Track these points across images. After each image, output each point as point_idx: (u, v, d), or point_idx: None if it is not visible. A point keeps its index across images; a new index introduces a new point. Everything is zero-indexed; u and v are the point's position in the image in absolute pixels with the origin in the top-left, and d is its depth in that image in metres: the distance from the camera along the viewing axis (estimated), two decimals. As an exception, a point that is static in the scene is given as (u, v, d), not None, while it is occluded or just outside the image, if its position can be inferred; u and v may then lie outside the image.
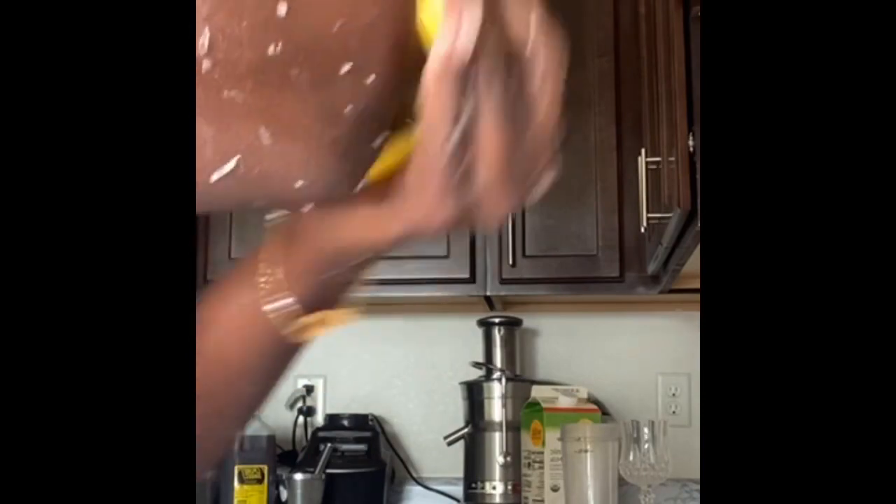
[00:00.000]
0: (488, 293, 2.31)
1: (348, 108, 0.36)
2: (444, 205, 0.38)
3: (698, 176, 1.43)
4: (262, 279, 0.46)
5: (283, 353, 0.49)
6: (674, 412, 2.49)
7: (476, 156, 0.38)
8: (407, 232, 0.40)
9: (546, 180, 0.40)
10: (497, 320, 2.46)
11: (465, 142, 0.37)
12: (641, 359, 2.53)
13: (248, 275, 0.47)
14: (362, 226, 0.41)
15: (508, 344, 2.45)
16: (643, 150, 1.95)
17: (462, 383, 2.47)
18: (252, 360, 0.49)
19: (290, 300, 0.46)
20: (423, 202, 0.39)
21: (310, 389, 2.58)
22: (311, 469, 2.30)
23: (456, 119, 0.36)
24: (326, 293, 0.46)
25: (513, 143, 0.38)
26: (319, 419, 2.56)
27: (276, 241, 0.47)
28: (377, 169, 0.39)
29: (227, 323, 0.49)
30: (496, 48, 0.36)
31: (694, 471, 2.33)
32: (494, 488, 2.37)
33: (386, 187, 0.40)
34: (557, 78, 0.38)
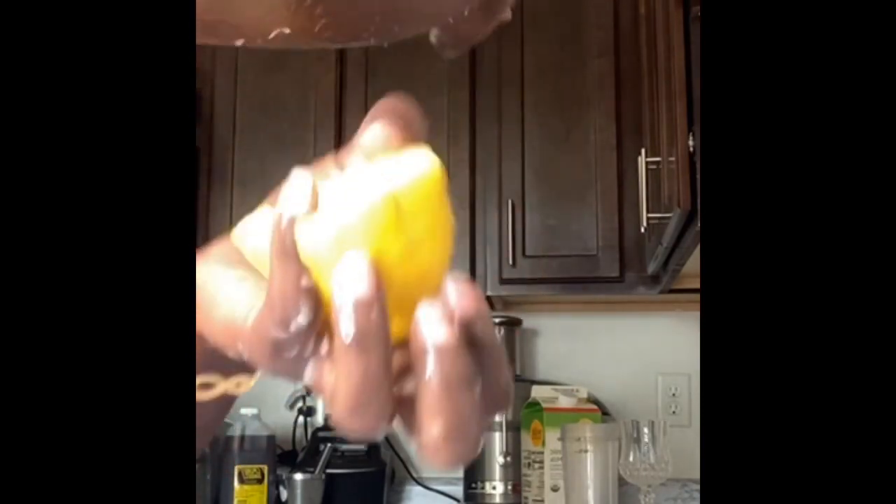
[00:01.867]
0: (488, 293, 2.31)
1: None
2: (272, 361, 0.36)
3: (698, 176, 1.43)
4: None
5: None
6: (674, 412, 2.49)
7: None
8: (240, 362, 0.38)
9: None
10: (497, 320, 2.46)
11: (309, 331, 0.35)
12: (641, 359, 2.53)
13: None
14: (221, 330, 0.38)
15: (508, 344, 2.45)
16: (643, 150, 1.95)
17: (462, 383, 2.46)
18: None
19: None
20: (254, 344, 0.36)
21: (310, 390, 2.58)
22: (311, 469, 2.30)
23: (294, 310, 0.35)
24: (215, 361, 0.42)
25: (373, 385, 0.35)
26: (319, 419, 2.56)
27: None
28: None
29: None
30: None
31: (694, 471, 2.33)
32: (494, 488, 2.37)
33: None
34: (452, 393, 0.35)
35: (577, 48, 2.31)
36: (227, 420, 2.40)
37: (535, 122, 2.31)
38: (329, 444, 2.33)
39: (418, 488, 2.56)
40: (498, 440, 2.37)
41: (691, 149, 1.46)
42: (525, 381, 2.42)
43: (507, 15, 0.43)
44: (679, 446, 2.19)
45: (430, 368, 0.34)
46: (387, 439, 2.50)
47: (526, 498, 2.26)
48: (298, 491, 2.28)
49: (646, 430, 2.04)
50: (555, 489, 2.18)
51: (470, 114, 2.34)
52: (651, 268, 2.05)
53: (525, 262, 2.29)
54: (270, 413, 2.42)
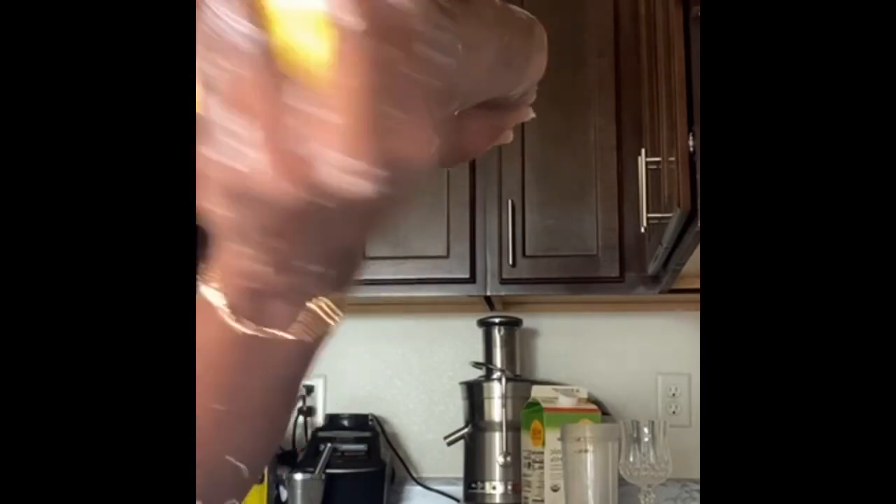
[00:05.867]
0: (488, 293, 2.31)
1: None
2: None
3: (698, 176, 1.43)
4: (205, 287, 0.41)
5: (251, 369, 0.42)
6: (674, 412, 2.49)
7: None
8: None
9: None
10: (497, 320, 2.46)
11: None
12: (641, 359, 2.53)
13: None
14: None
15: (508, 344, 2.45)
16: (643, 150, 1.95)
17: (462, 383, 2.47)
18: (212, 374, 0.41)
19: (224, 299, 0.40)
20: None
21: (310, 389, 2.58)
22: (311, 469, 2.30)
23: None
24: (272, 312, 0.40)
25: None
26: (319, 419, 2.56)
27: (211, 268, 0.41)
28: None
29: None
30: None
31: (694, 471, 2.33)
32: (494, 488, 2.37)
33: None
34: None
35: (577, 48, 2.31)
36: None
37: (535, 122, 2.30)
38: (329, 444, 2.33)
39: (418, 488, 2.56)
40: (498, 440, 2.37)
41: (691, 149, 1.46)
42: (525, 381, 2.42)
43: (509, 137, 0.42)
44: (679, 446, 2.19)
45: None
46: (387, 439, 2.51)
47: (526, 498, 2.26)
48: (298, 491, 2.28)
49: (646, 430, 2.04)
50: (555, 489, 2.18)
51: (470, 114, 2.34)
52: (651, 268, 2.06)
53: (525, 262, 2.29)
54: (270, 413, 2.42)
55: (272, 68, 0.32)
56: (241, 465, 0.45)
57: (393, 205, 0.35)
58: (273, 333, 0.41)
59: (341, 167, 0.32)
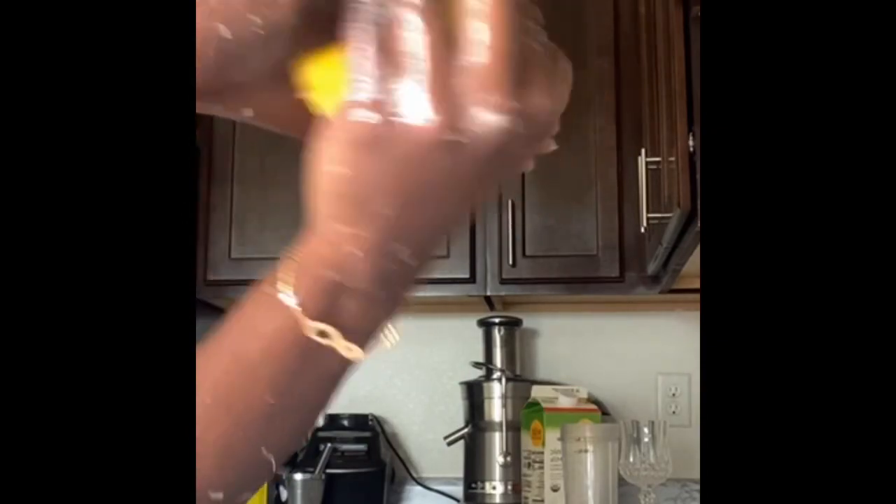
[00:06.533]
0: (488, 293, 2.31)
1: None
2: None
3: (698, 176, 1.43)
4: (278, 283, 0.42)
5: (307, 366, 0.44)
6: (674, 412, 2.49)
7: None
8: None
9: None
10: (497, 320, 2.46)
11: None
12: (641, 359, 2.53)
13: (267, 282, 0.44)
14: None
15: (508, 344, 2.45)
16: (643, 150, 1.95)
17: (462, 383, 2.47)
18: (271, 366, 0.43)
19: (296, 296, 0.42)
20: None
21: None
22: (311, 469, 2.30)
23: None
24: (343, 310, 0.42)
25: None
26: (319, 419, 2.56)
27: (291, 259, 0.43)
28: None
29: (247, 323, 0.44)
30: None
31: (694, 471, 2.33)
32: (494, 488, 2.37)
33: None
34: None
35: (577, 48, 2.31)
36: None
37: (535, 122, 2.30)
38: (329, 444, 2.33)
39: (418, 488, 2.56)
40: (498, 440, 2.37)
41: (691, 149, 1.46)
42: (525, 381, 2.42)
43: (529, 165, 0.44)
44: (679, 446, 2.19)
45: None
46: (387, 439, 2.50)
47: (526, 498, 2.26)
48: (298, 491, 2.28)
49: (646, 430, 2.04)
50: (555, 489, 2.18)
51: (470, 114, 2.34)
52: (651, 268, 2.05)
53: (525, 262, 2.29)
54: (270, 413, 2.41)
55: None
56: (272, 459, 0.45)
57: (520, 149, 0.38)
58: (331, 342, 0.42)
59: (481, 102, 0.35)
